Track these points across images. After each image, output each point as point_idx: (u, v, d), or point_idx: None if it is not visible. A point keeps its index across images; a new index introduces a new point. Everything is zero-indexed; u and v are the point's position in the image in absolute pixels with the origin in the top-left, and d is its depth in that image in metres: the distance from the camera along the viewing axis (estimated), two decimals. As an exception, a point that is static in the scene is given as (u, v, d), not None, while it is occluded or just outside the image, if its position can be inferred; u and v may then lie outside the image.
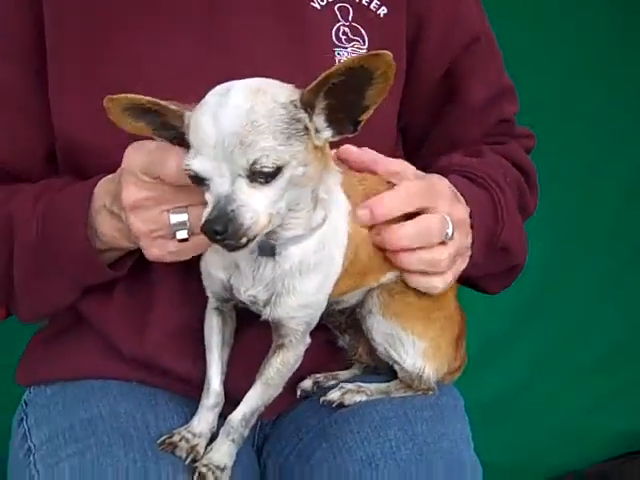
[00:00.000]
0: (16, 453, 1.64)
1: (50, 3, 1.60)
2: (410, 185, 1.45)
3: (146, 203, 1.40)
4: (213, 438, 1.50)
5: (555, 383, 2.97)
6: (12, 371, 1.74)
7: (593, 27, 2.86)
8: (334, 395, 1.59)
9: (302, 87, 1.28)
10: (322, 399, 1.60)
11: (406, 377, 1.58)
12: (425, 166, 1.73)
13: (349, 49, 1.63)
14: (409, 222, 1.44)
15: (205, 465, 1.46)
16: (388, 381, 1.61)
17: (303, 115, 1.27)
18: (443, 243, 1.47)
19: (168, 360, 1.62)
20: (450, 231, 1.47)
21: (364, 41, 1.64)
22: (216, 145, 1.22)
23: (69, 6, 1.59)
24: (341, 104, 1.27)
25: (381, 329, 1.53)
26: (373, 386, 1.60)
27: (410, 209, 1.45)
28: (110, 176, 1.49)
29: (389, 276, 1.51)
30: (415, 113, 1.74)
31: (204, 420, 1.51)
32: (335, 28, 1.63)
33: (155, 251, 1.44)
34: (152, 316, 1.61)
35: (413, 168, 1.49)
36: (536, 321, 2.94)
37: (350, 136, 1.31)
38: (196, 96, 1.30)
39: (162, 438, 1.50)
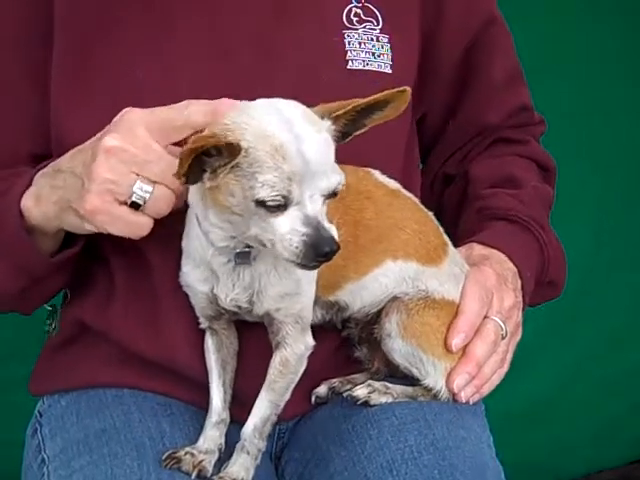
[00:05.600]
0: (30, 464, 1.62)
1: (61, 3, 1.59)
2: (474, 305, 1.57)
3: (122, 155, 1.37)
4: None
5: (588, 392, 2.97)
6: (25, 382, 1.72)
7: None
8: (360, 392, 1.57)
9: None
10: (347, 394, 1.57)
11: (427, 394, 1.57)
12: (440, 168, 1.80)
13: (360, 31, 1.63)
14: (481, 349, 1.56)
15: (221, 478, 1.44)
16: (411, 382, 1.59)
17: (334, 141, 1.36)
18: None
19: (184, 358, 1.58)
20: (504, 332, 1.59)
21: (377, 22, 1.64)
22: (305, 172, 1.29)
23: (80, 7, 1.59)
24: (346, 120, 1.36)
25: (402, 351, 1.55)
26: (400, 389, 1.58)
27: (481, 318, 1.58)
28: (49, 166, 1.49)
29: (375, 272, 1.53)
30: (435, 96, 1.74)
31: (209, 438, 1.50)
32: (347, 9, 1.63)
33: (96, 201, 1.39)
34: (161, 317, 1.58)
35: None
36: (569, 330, 2.94)
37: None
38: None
39: (166, 453, 1.47)
